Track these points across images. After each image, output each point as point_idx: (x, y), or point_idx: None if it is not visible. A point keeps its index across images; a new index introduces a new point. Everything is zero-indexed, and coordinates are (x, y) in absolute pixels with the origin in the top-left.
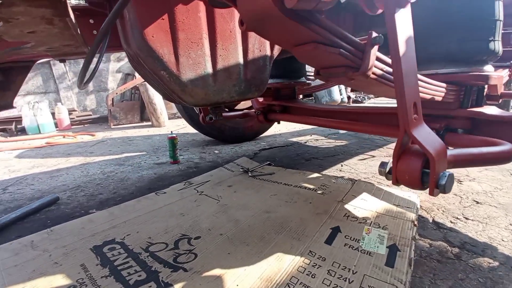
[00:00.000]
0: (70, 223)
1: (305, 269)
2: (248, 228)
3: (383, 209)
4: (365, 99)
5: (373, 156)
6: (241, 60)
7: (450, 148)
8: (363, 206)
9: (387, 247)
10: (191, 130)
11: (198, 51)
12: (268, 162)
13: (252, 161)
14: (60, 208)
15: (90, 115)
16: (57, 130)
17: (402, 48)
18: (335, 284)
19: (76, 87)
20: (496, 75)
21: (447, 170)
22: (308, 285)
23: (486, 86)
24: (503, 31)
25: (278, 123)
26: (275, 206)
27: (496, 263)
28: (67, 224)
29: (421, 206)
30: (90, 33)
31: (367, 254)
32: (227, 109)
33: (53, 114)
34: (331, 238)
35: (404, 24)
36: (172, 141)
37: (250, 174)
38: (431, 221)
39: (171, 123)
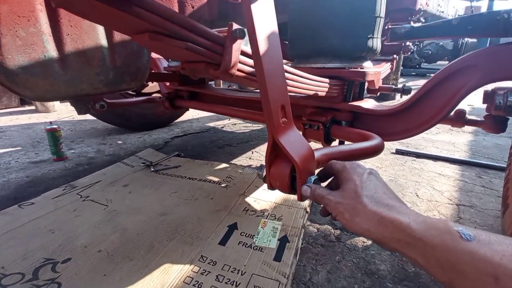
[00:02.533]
0: None
1: (193, 278)
2: (136, 238)
3: (281, 199)
4: None
5: None
6: (103, 42)
7: (333, 139)
8: (264, 197)
9: (278, 239)
10: (90, 116)
11: (31, 28)
12: (177, 153)
13: (158, 153)
14: None
15: None
16: None
17: (262, 46)
18: None
19: None
20: (373, 71)
21: (315, 173)
22: None
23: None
24: (391, 26)
25: (187, 110)
26: (173, 206)
27: (369, 242)
28: None
29: None
30: None
31: (259, 250)
32: (134, 93)
33: None
34: (226, 237)
35: (264, 16)
36: (53, 133)
37: (152, 169)
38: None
39: (64, 108)
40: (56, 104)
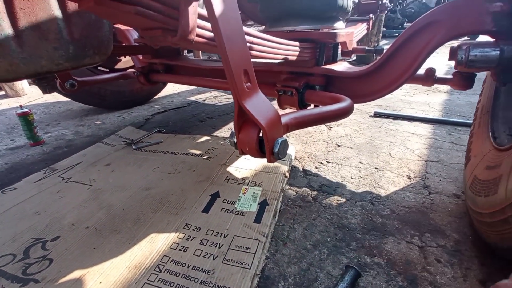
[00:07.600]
0: None
1: (178, 244)
2: (122, 213)
3: (261, 166)
4: None
5: None
6: (57, 13)
7: (308, 105)
8: (245, 166)
9: (258, 204)
10: (63, 97)
11: None
12: (158, 129)
13: (139, 130)
14: None
15: None
16: None
17: (218, 7)
18: (205, 253)
19: None
20: (345, 32)
21: (284, 135)
22: (179, 261)
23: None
24: None
25: (164, 84)
26: (157, 181)
27: (343, 200)
28: None
29: (295, 156)
30: None
31: (240, 214)
32: (107, 70)
33: None
34: (209, 205)
35: None
36: (25, 117)
37: (134, 147)
38: (301, 169)
39: (35, 90)
40: (26, 87)
